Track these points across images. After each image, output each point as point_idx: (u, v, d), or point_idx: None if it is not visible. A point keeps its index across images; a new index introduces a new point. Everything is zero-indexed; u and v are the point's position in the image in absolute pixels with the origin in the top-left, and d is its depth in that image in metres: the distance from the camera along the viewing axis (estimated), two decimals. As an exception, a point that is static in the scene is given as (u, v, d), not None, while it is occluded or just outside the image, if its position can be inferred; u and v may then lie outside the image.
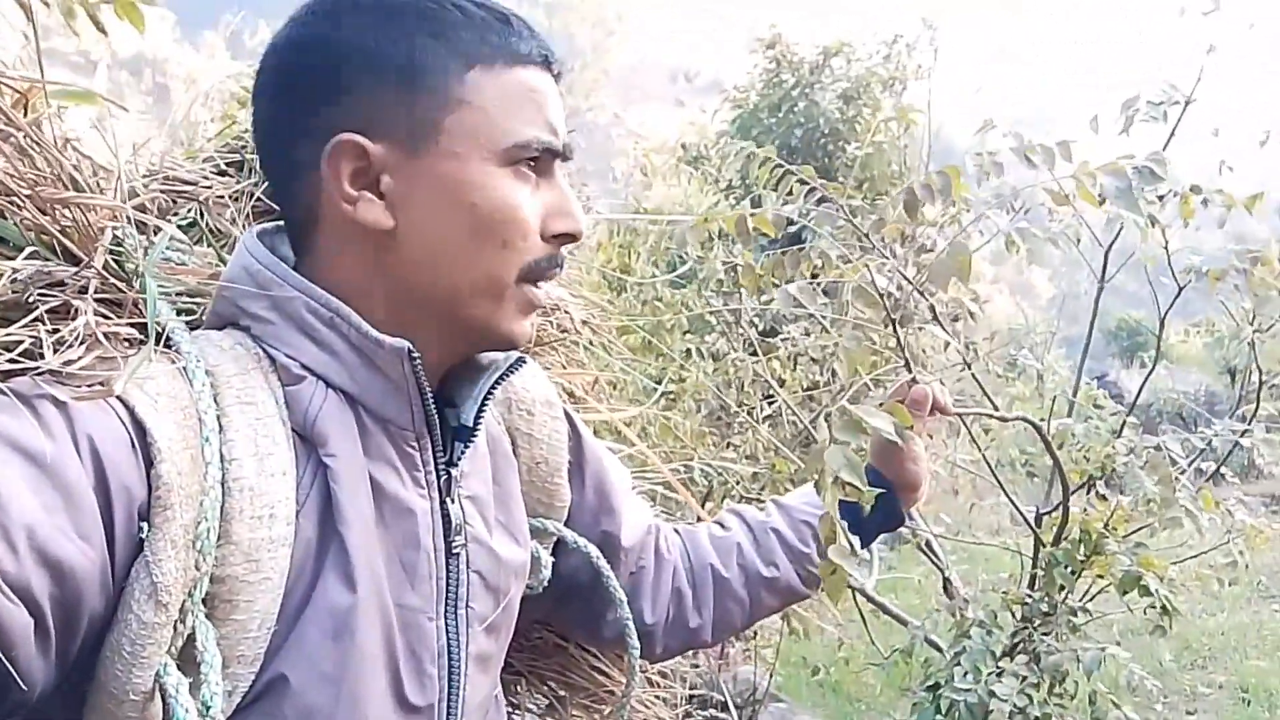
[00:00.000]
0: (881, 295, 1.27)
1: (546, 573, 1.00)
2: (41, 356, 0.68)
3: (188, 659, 0.68)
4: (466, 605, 0.85)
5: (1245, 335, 1.52)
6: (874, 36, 8.63)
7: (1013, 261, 1.62)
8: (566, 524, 1.03)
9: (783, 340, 3.03)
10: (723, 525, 1.21)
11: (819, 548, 1.13)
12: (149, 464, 0.67)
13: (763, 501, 1.26)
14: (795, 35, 9.12)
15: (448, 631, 0.83)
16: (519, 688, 1.14)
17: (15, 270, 0.72)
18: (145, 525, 0.66)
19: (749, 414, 2.85)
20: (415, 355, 0.78)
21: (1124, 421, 1.65)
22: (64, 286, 0.75)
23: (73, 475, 0.63)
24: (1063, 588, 1.62)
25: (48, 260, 0.75)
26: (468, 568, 0.85)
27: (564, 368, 1.17)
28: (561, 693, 1.17)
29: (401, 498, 0.80)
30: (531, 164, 0.80)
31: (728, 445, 2.72)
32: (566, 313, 1.14)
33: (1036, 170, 1.37)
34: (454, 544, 0.84)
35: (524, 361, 0.90)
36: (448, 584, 0.83)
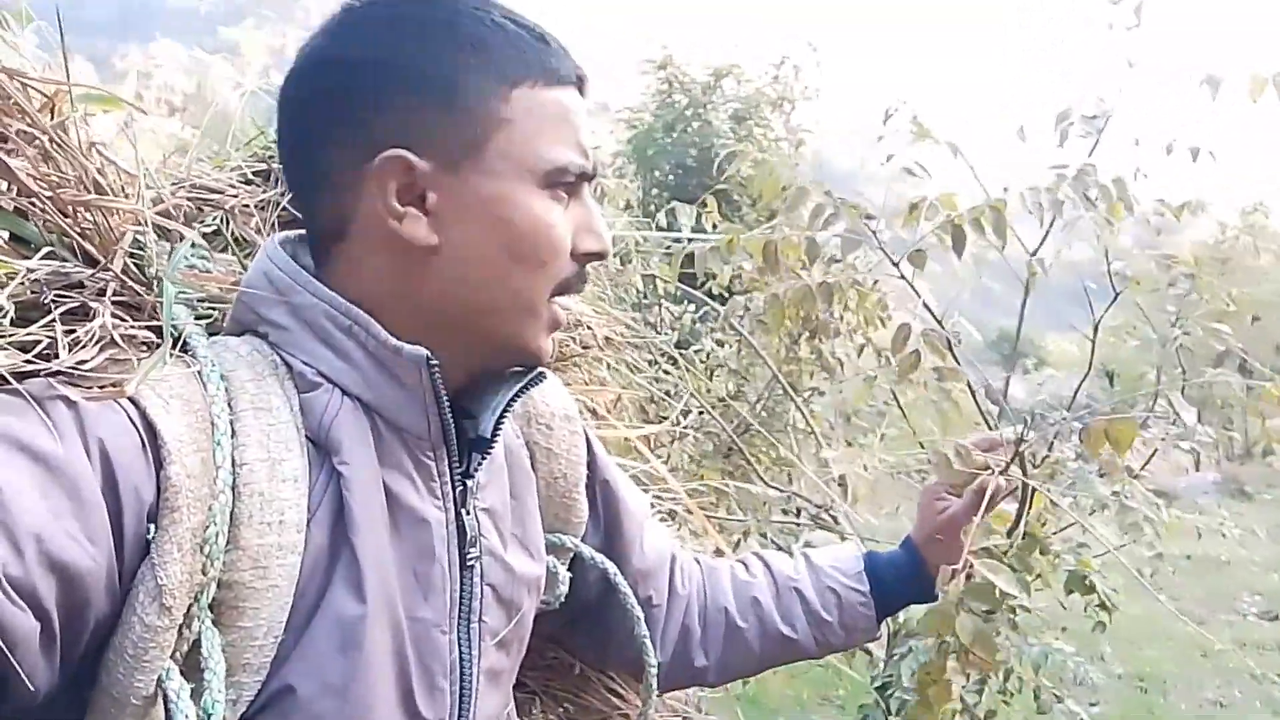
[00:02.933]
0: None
1: (564, 588, 0.99)
2: (58, 358, 0.68)
3: (192, 665, 0.68)
4: (479, 619, 0.83)
5: (1173, 336, 1.57)
6: (762, 58, 8.88)
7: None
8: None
9: (695, 352, 3.06)
10: (747, 568, 1.18)
11: (840, 617, 1.14)
12: (159, 466, 0.67)
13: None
14: (686, 56, 9.29)
15: (460, 645, 0.82)
16: (533, 708, 1.11)
17: (31, 270, 0.72)
18: (152, 527, 0.66)
19: (675, 424, 2.88)
20: (434, 363, 0.77)
21: (1059, 428, 1.72)
22: (83, 288, 0.75)
23: (82, 477, 0.62)
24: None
25: (65, 261, 0.75)
26: (482, 580, 0.84)
27: (585, 384, 1.16)
28: (576, 715, 1.14)
29: (416, 508, 0.79)
30: (566, 186, 0.81)
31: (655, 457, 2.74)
32: (589, 329, 1.13)
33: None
34: (469, 556, 0.82)
35: (544, 375, 0.89)
36: (461, 597, 0.82)
